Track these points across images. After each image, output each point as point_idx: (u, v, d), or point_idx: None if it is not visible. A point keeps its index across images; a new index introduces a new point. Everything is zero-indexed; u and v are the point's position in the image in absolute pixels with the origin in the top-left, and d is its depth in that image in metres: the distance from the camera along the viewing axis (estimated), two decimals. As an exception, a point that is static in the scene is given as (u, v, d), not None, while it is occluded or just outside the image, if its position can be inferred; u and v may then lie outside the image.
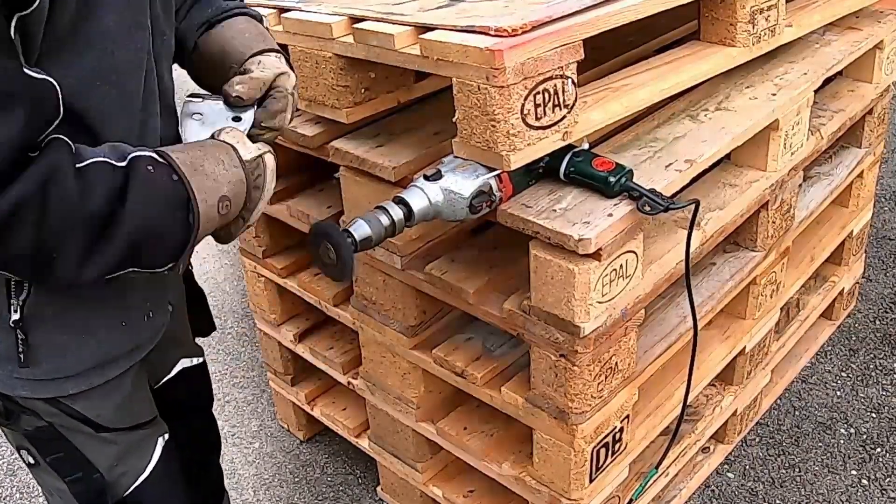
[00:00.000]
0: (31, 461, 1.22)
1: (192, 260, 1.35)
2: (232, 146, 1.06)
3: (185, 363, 1.44)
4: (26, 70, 0.86)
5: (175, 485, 1.35)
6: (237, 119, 1.14)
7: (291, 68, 1.23)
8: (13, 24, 0.85)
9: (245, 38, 1.22)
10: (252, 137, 1.13)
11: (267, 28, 1.29)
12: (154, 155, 0.97)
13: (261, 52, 1.20)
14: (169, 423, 1.39)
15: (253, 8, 1.29)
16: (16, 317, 1.06)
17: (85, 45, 0.94)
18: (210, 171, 1.01)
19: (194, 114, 1.14)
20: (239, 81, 1.13)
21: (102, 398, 1.18)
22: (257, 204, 1.10)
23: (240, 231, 1.12)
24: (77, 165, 0.90)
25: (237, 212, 1.07)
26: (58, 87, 0.90)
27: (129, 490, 1.26)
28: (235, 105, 1.14)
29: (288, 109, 1.18)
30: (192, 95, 1.16)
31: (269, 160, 1.09)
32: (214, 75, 1.21)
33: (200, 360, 1.48)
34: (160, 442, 1.30)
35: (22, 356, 1.08)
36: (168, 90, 1.15)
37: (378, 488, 2.08)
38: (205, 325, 1.51)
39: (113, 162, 0.93)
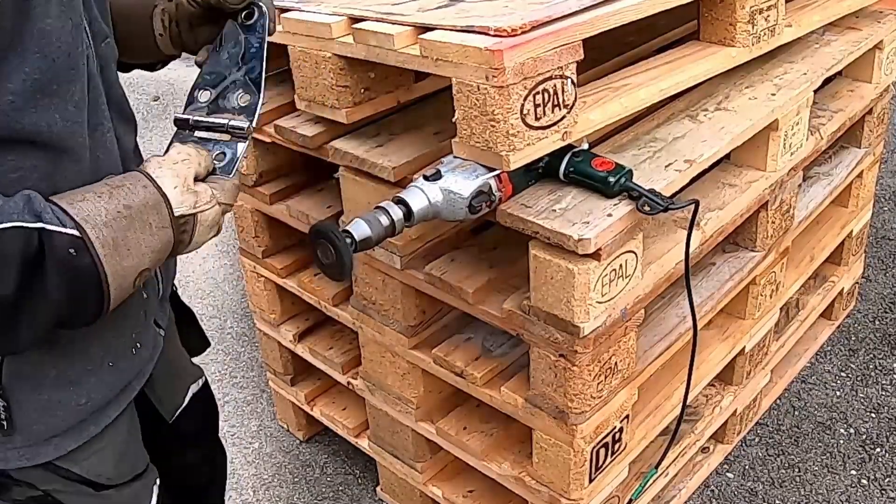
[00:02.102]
0: None
1: (184, 268, 1.32)
2: (165, 198, 0.94)
3: (193, 389, 1.40)
4: None
5: None
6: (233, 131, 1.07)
7: None
8: None
9: None
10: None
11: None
12: (71, 233, 0.86)
13: None
14: (183, 452, 1.38)
15: None
16: None
17: (23, 50, 0.86)
18: (134, 244, 0.91)
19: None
20: None
21: (100, 452, 1.12)
22: (180, 252, 1.01)
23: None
24: None
25: (161, 263, 0.99)
26: None
27: None
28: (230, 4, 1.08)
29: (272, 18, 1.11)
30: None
31: (206, 216, 0.98)
32: (131, 19, 1.13)
33: (203, 380, 1.44)
34: (155, 490, 1.25)
35: (5, 423, 1.01)
36: (119, 95, 1.08)
37: (378, 488, 2.08)
38: (197, 343, 1.45)
39: (27, 226, 0.84)
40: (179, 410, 1.37)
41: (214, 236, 1.04)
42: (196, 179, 0.99)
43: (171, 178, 0.96)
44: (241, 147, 1.06)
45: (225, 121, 1.07)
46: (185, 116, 1.08)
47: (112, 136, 1.03)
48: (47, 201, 0.87)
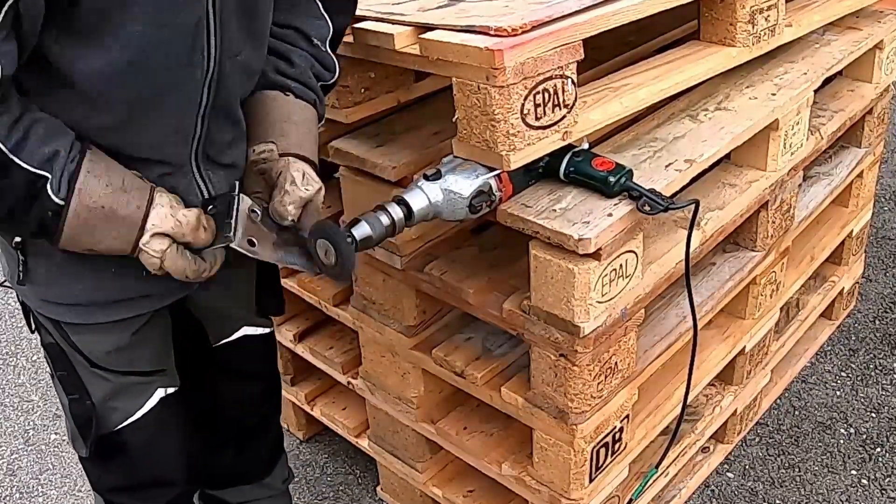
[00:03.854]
0: (49, 371, 1.37)
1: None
2: (141, 230, 1.11)
3: (248, 330, 1.53)
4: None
5: (169, 436, 1.44)
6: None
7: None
8: (4, 9, 0.91)
9: (300, 134, 1.28)
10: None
11: (321, 120, 1.35)
12: (58, 202, 1.05)
13: (304, 160, 1.26)
14: (227, 383, 1.54)
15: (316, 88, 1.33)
16: (18, 239, 1.19)
17: (110, 46, 1.01)
18: (96, 234, 1.09)
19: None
20: (291, 202, 1.21)
21: (95, 337, 1.28)
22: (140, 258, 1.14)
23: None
24: (9, 156, 1.01)
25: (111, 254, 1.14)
26: (1, 72, 0.96)
27: (117, 427, 1.36)
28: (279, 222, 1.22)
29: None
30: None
31: (146, 258, 1.12)
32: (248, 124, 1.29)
33: (267, 330, 1.59)
34: (159, 392, 1.38)
35: (20, 274, 1.22)
36: (231, 101, 1.21)
37: (378, 488, 2.08)
38: (272, 305, 1.59)
39: (41, 172, 1.03)
40: (227, 342, 1.52)
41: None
42: (175, 240, 1.13)
43: (156, 219, 1.11)
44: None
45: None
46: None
47: (192, 129, 1.17)
48: (80, 152, 1.06)
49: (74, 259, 1.17)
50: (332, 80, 1.35)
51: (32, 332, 1.34)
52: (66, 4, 0.96)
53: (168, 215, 1.12)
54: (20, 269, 1.21)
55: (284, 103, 1.28)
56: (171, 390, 1.40)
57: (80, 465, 1.48)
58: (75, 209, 1.05)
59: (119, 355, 1.31)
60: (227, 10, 1.10)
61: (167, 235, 1.12)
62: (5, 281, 1.31)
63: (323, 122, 1.37)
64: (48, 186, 1.04)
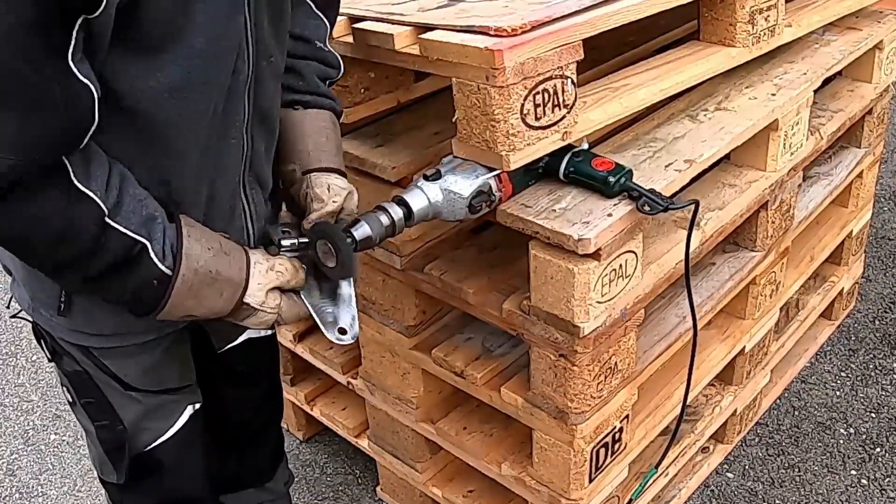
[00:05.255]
0: (70, 399, 1.33)
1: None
2: (245, 286, 1.12)
3: (251, 333, 1.52)
4: (73, 67, 0.88)
5: (196, 452, 1.42)
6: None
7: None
8: (77, 24, 0.87)
9: (317, 145, 1.28)
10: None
11: (339, 116, 1.35)
12: (164, 271, 1.04)
13: (327, 171, 1.26)
14: (231, 388, 1.52)
15: (333, 100, 1.34)
16: None
17: (171, 61, 0.97)
18: (202, 297, 1.08)
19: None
20: (316, 213, 1.22)
21: (129, 360, 1.26)
22: (231, 320, 1.15)
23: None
24: (108, 220, 0.98)
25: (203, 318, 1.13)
26: (96, 95, 0.92)
27: (149, 447, 1.34)
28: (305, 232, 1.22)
29: None
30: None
31: (263, 317, 1.15)
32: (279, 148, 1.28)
33: (270, 332, 1.57)
34: (189, 410, 1.37)
35: (62, 306, 1.18)
36: (267, 108, 1.19)
37: (378, 488, 2.08)
38: None
39: (138, 238, 1.01)
40: (231, 347, 1.50)
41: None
42: (279, 289, 1.15)
43: (260, 277, 1.13)
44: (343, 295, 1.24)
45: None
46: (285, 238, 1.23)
47: (240, 143, 1.15)
48: (171, 220, 1.05)
49: None
50: (338, 76, 1.36)
51: (50, 360, 1.29)
52: (129, 20, 0.92)
53: (268, 269, 1.14)
54: (62, 300, 1.17)
55: (298, 120, 1.28)
56: (197, 405, 1.39)
57: (103, 488, 1.44)
58: (184, 275, 1.04)
59: (152, 374, 1.29)
60: (260, 10, 1.08)
61: (276, 288, 1.14)
62: (20, 312, 1.27)
63: (342, 115, 1.37)
64: (151, 254, 1.02)
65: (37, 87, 0.87)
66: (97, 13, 0.87)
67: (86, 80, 0.90)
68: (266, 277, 1.13)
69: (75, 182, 0.95)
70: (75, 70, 0.88)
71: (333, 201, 1.24)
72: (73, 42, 0.87)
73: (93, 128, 0.93)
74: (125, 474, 1.34)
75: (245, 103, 1.12)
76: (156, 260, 1.02)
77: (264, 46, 1.12)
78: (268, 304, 1.14)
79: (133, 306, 1.08)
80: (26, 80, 0.86)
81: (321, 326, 1.22)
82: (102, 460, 1.36)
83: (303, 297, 1.20)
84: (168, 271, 1.04)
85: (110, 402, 1.28)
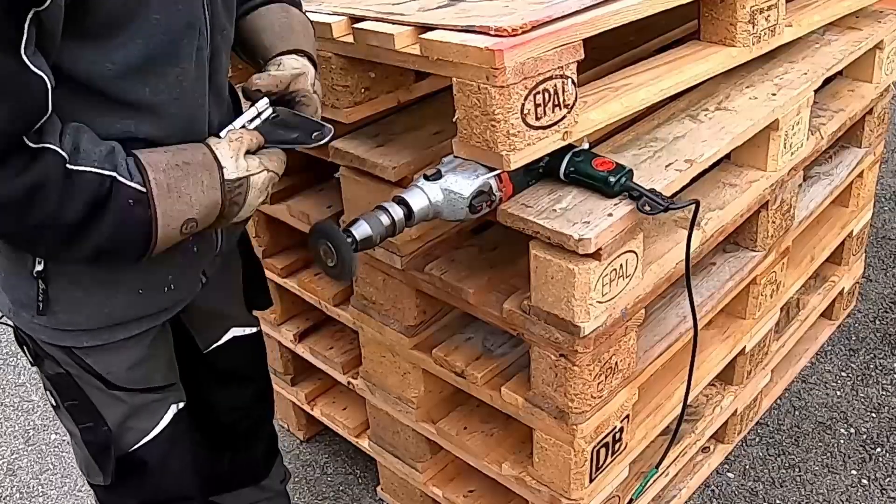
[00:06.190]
0: (53, 403, 1.33)
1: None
2: (218, 164, 1.09)
3: (236, 331, 1.52)
4: (26, 60, 0.90)
5: (181, 451, 1.42)
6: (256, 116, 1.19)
7: (314, 63, 1.28)
8: (28, 17, 0.89)
9: (271, 35, 1.28)
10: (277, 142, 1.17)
11: (305, 13, 1.34)
12: (136, 187, 1.02)
13: (282, 53, 1.25)
14: (219, 389, 1.52)
15: None
16: (39, 268, 1.14)
17: (130, 39, 1.00)
18: (185, 193, 1.06)
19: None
20: (257, 77, 1.21)
21: (114, 356, 1.25)
22: (235, 215, 1.14)
23: (228, 224, 1.17)
24: (69, 167, 0.98)
25: (207, 226, 1.12)
26: (49, 85, 0.94)
27: (134, 448, 1.34)
28: (255, 99, 1.19)
29: (317, 108, 1.26)
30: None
31: (257, 179, 1.12)
32: (250, 59, 1.31)
33: (254, 329, 1.57)
34: (172, 409, 1.37)
35: (40, 304, 1.17)
36: (221, 80, 1.21)
37: (378, 488, 2.08)
38: (260, 298, 1.58)
39: (103, 173, 1.01)
40: (216, 346, 1.50)
41: (264, 202, 1.18)
42: (248, 152, 1.13)
43: (226, 149, 1.11)
44: (262, 102, 1.20)
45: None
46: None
47: (206, 117, 1.16)
48: (127, 154, 1.03)
49: (103, 280, 1.17)
50: None
51: (33, 365, 1.29)
52: (82, 7, 0.94)
53: (228, 141, 1.12)
54: (39, 298, 1.16)
55: (254, 24, 1.29)
56: (181, 405, 1.39)
57: (91, 489, 1.44)
58: (156, 179, 1.03)
59: (137, 371, 1.29)
60: None
61: (244, 155, 1.12)
62: (3, 317, 1.26)
63: (301, 5, 1.39)
64: (120, 180, 1.01)
65: None
66: (46, 5, 0.90)
67: (39, 72, 0.92)
68: (231, 147, 1.11)
69: (28, 144, 0.96)
70: (28, 63, 0.91)
71: (278, 70, 1.22)
72: (24, 36, 0.89)
73: (45, 116, 0.96)
74: (111, 475, 1.34)
75: (205, 79, 1.14)
76: (126, 182, 1.02)
77: (218, 19, 1.14)
78: (252, 167, 1.12)
79: (127, 247, 1.06)
80: None
81: (302, 146, 1.20)
82: (88, 463, 1.35)
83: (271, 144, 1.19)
84: (140, 186, 1.03)
85: (94, 403, 1.28)
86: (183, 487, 1.45)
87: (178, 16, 1.04)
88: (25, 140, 0.96)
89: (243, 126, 1.18)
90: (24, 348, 1.28)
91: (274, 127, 1.20)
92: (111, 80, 1.02)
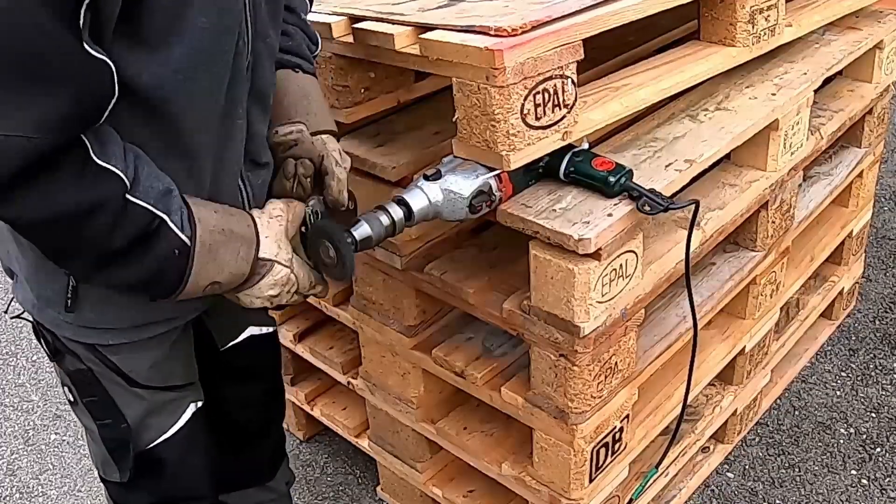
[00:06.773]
0: (71, 399, 1.32)
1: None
2: (257, 239, 1.12)
3: (253, 330, 1.53)
4: (86, 47, 0.89)
5: (197, 450, 1.42)
6: None
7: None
8: (84, 5, 0.88)
9: (321, 108, 1.31)
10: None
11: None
12: (184, 240, 1.04)
13: (331, 133, 1.30)
14: (232, 386, 1.53)
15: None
16: None
17: (175, 42, 0.98)
18: (220, 257, 1.08)
19: None
20: (338, 190, 1.27)
21: (138, 355, 1.26)
22: (246, 290, 1.15)
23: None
24: (128, 196, 0.98)
25: (227, 290, 1.14)
26: (114, 69, 0.93)
27: (151, 445, 1.34)
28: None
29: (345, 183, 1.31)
30: None
31: (278, 270, 1.14)
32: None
33: (271, 329, 1.58)
34: (191, 407, 1.37)
35: (69, 301, 1.17)
36: (265, 87, 1.20)
37: (378, 488, 2.08)
38: None
39: (156, 213, 1.01)
40: (233, 344, 1.51)
41: (269, 306, 1.19)
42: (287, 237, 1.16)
43: (267, 229, 1.14)
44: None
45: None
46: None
47: (243, 123, 1.16)
48: (182, 200, 1.05)
49: None
50: (318, 51, 1.37)
51: (52, 359, 1.29)
52: (135, 5, 0.93)
53: (269, 218, 1.15)
54: (69, 295, 1.16)
55: (298, 80, 1.29)
56: (199, 404, 1.39)
57: (104, 487, 1.44)
58: (201, 237, 1.05)
59: (158, 369, 1.29)
60: None
61: (284, 239, 1.15)
62: (23, 313, 1.26)
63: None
64: (171, 225, 1.02)
65: (56, 65, 0.88)
66: None
67: (101, 56, 0.91)
68: (271, 228, 1.14)
69: (94, 158, 0.95)
70: (88, 48, 0.89)
71: (346, 166, 1.27)
72: (81, 20, 0.88)
73: (113, 100, 0.94)
74: (129, 472, 1.34)
75: (245, 84, 1.13)
76: (176, 230, 1.03)
77: (262, 26, 1.13)
78: (281, 256, 1.14)
79: (153, 287, 1.07)
80: (43, 57, 0.87)
81: (329, 276, 1.23)
82: (105, 459, 1.36)
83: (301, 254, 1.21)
84: (188, 240, 1.04)
85: (114, 399, 1.28)
86: (197, 486, 1.45)
87: (224, 18, 1.02)
88: (91, 153, 0.95)
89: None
90: (43, 341, 1.28)
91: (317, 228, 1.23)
92: (159, 82, 1.00)
